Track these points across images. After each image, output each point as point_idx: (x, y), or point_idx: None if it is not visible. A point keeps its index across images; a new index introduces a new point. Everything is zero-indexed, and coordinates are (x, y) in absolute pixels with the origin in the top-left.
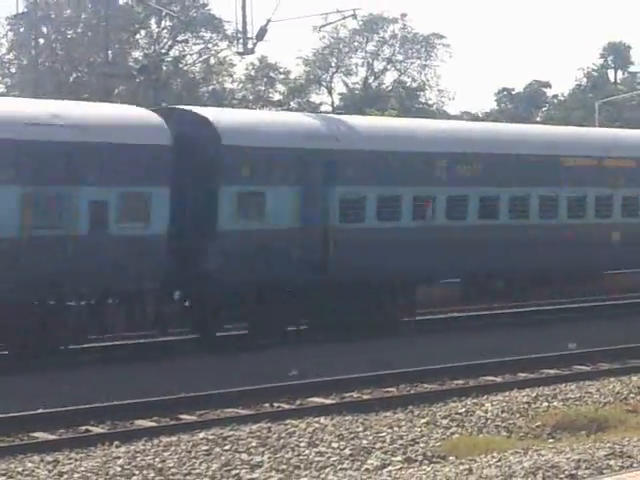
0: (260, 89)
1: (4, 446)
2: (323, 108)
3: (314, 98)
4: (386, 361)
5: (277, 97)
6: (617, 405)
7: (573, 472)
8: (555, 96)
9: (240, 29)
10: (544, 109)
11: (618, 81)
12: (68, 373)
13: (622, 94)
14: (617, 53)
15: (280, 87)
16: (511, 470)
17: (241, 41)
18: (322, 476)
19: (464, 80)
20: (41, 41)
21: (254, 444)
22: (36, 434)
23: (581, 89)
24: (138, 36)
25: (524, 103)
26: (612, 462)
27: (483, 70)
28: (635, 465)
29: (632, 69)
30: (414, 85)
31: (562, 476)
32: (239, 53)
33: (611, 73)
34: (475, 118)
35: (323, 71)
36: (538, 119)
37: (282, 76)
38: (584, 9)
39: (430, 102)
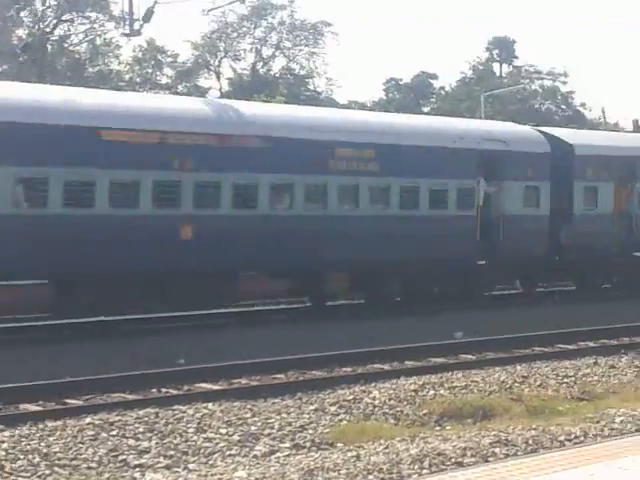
0: (147, 72)
1: None
2: (211, 93)
3: (202, 82)
4: (277, 348)
5: (165, 80)
6: (502, 394)
7: (459, 459)
8: (442, 88)
9: (126, 10)
10: (431, 100)
11: (503, 75)
12: None
13: (507, 87)
14: (502, 47)
15: (168, 70)
16: (398, 457)
17: (127, 22)
18: (210, 462)
19: (353, 69)
20: None
21: (141, 429)
22: None
23: (467, 82)
24: (22, 14)
25: (412, 93)
26: (497, 450)
27: (371, 59)
28: (519, 453)
29: (517, 63)
30: (302, 72)
31: (448, 463)
32: (125, 34)
33: (496, 66)
34: (363, 107)
35: (211, 55)
36: (425, 110)
37: (170, 59)
38: (471, 2)
39: (319, 90)
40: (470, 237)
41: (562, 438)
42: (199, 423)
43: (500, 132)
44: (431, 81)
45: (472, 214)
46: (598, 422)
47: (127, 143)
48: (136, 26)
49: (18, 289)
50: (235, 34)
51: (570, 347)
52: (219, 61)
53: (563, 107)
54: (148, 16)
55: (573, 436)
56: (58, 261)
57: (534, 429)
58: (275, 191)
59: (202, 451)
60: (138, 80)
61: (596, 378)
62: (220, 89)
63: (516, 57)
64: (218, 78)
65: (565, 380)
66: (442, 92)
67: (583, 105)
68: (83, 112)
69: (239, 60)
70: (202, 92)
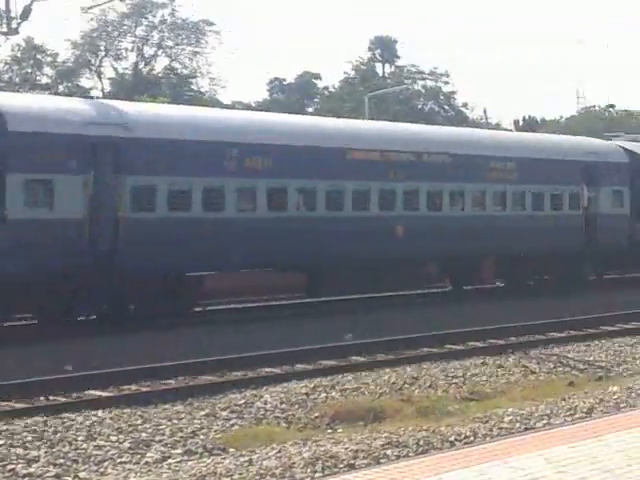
0: (27, 72)
1: None
2: (93, 93)
3: (84, 82)
4: (166, 354)
5: (45, 80)
6: (392, 395)
7: (351, 462)
8: (326, 87)
9: (3, 8)
10: (315, 100)
11: (386, 75)
12: None
13: (390, 87)
14: (384, 47)
15: (48, 70)
16: (291, 461)
17: (5, 21)
18: (101, 470)
19: (236, 69)
20: None
21: (30, 438)
22: None
23: (350, 82)
24: None
25: (296, 94)
26: (389, 451)
27: (255, 60)
28: (411, 454)
29: (399, 63)
30: (185, 72)
31: (341, 466)
32: (3, 33)
33: (379, 66)
34: (248, 107)
35: (92, 55)
36: (310, 110)
37: (50, 59)
38: (352, 2)
39: (202, 90)
40: (578, 231)
41: (452, 438)
42: (89, 431)
43: (595, 146)
44: (315, 81)
45: (579, 213)
46: (487, 422)
47: (363, 160)
48: (13, 24)
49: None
50: (116, 33)
51: (459, 347)
52: (100, 60)
53: (446, 107)
54: (26, 14)
55: (463, 436)
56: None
57: (425, 430)
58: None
59: (92, 459)
60: (17, 80)
61: (484, 378)
62: (102, 89)
63: (398, 57)
64: (100, 78)
65: (454, 380)
66: (326, 92)
67: (465, 105)
68: (335, 135)
69: (121, 60)
70: (83, 92)
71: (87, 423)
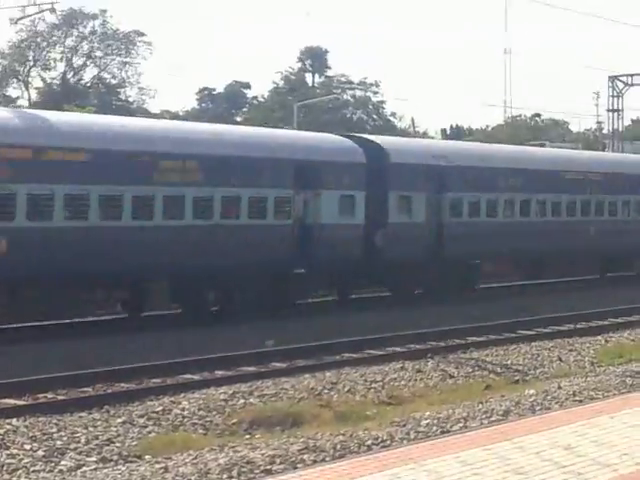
0: None
1: None
2: (20, 102)
3: (10, 92)
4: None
5: None
6: (311, 400)
7: (268, 467)
8: (255, 97)
9: None
10: (244, 109)
11: (316, 84)
12: None
13: (319, 97)
14: (315, 57)
15: None
16: (207, 467)
17: None
18: (14, 479)
19: (166, 78)
20: None
21: None
22: None
23: (278, 91)
24: None
25: (225, 103)
26: (306, 456)
27: (185, 68)
28: (327, 459)
29: (329, 73)
30: (114, 82)
31: (257, 471)
32: None
33: (309, 76)
34: (176, 117)
35: (20, 65)
36: (239, 119)
37: None
38: (282, 12)
39: (130, 99)
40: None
41: (369, 442)
42: (2, 439)
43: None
44: (244, 90)
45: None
46: (404, 425)
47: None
48: None
49: None
50: (45, 43)
51: (378, 352)
52: (28, 70)
53: (374, 117)
54: None
55: (380, 440)
56: None
57: (342, 434)
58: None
59: (5, 468)
60: None
61: (403, 382)
62: (29, 99)
63: (328, 67)
64: (27, 87)
65: (373, 385)
66: (255, 102)
67: (393, 114)
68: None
69: (49, 69)
70: (10, 102)
71: (0, 432)
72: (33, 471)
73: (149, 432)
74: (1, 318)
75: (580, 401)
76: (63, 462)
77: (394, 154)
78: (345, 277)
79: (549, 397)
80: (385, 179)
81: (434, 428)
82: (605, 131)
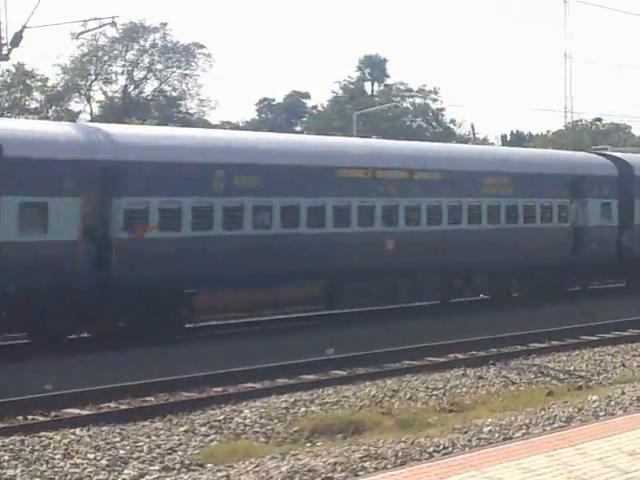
0: (16, 96)
1: None
2: (82, 117)
3: (73, 106)
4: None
5: (34, 105)
6: (372, 408)
7: (329, 475)
8: (314, 107)
9: None
10: (304, 119)
11: (375, 93)
12: None
13: (378, 105)
14: (374, 66)
15: (37, 95)
16: (269, 475)
17: None
18: None
19: (226, 89)
20: None
21: (6, 457)
22: None
23: (338, 100)
24: None
25: (284, 113)
26: (367, 464)
27: (244, 80)
28: (389, 466)
29: (388, 81)
30: (175, 94)
31: (319, 479)
32: None
33: (368, 85)
34: (236, 127)
35: (82, 79)
36: (298, 129)
37: (39, 83)
38: (341, 22)
39: (191, 111)
40: None
41: (431, 450)
42: (66, 449)
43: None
44: (303, 100)
45: None
46: (466, 432)
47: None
48: (4, 51)
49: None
50: (106, 57)
51: (440, 360)
52: (90, 84)
53: (434, 124)
54: (16, 41)
55: (441, 447)
56: None
57: (403, 442)
58: None
59: (69, 477)
60: (7, 105)
61: (465, 389)
62: (91, 112)
63: (387, 75)
64: (89, 101)
65: (434, 392)
66: (314, 111)
67: (453, 122)
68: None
69: (110, 83)
70: (73, 116)
71: (65, 441)
72: None
73: (211, 441)
74: None
75: None
76: (126, 471)
77: (637, 168)
78: (601, 270)
79: (612, 403)
80: (631, 189)
81: (496, 435)
82: None
